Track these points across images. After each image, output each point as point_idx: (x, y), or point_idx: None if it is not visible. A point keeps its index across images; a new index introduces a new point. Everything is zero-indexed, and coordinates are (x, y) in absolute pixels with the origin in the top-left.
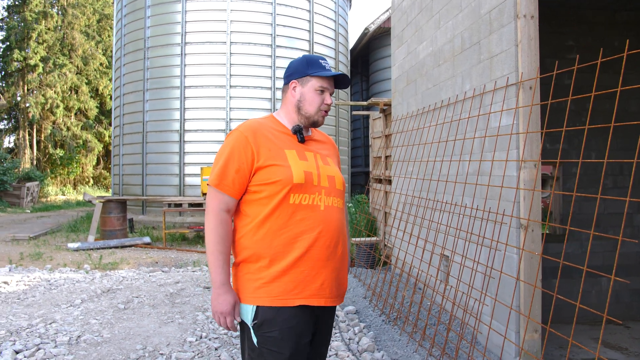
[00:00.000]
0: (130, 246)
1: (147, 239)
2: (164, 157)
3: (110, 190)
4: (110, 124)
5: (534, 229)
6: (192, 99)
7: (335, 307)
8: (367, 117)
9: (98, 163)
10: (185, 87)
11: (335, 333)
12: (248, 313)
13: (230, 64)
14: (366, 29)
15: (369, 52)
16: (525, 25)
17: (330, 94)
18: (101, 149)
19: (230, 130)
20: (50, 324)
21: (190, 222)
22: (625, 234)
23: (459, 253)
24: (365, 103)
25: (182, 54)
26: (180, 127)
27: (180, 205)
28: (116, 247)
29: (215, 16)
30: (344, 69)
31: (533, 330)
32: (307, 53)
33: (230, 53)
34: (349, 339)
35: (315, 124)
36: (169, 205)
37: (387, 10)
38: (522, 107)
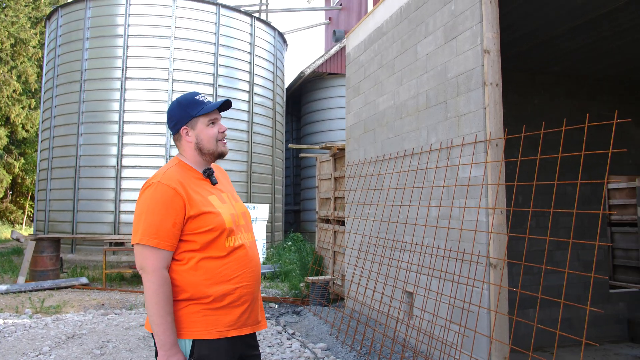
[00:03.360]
0: (66, 287)
1: (84, 280)
2: (98, 193)
3: (25, 226)
4: (21, 155)
5: (501, 267)
6: (131, 135)
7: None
8: (297, 157)
9: (5, 196)
10: (124, 122)
11: None
12: (183, 349)
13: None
14: (302, 72)
15: (302, 93)
16: (492, 92)
17: (219, 120)
18: (10, 181)
19: None
20: None
21: (126, 261)
22: (546, 269)
23: (432, 290)
24: (317, 147)
25: (122, 88)
26: (118, 163)
27: (122, 244)
28: (51, 289)
29: (158, 53)
30: (280, 109)
31: (502, 357)
32: (246, 92)
33: (172, 90)
34: None
35: (222, 155)
36: (110, 244)
37: (322, 56)
38: (492, 161)
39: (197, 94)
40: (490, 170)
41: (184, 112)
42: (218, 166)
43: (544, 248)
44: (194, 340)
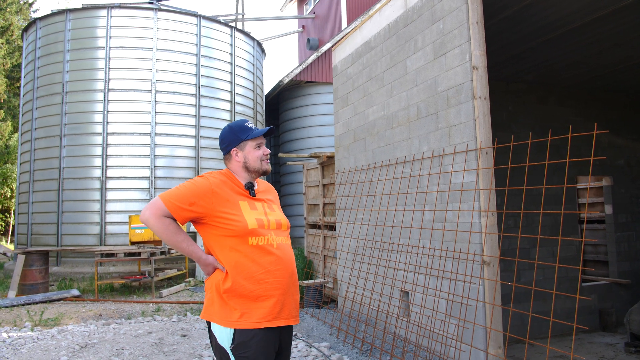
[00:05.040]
0: (58, 300)
1: (75, 292)
2: (83, 205)
3: (3, 240)
4: None
5: (494, 264)
6: (115, 146)
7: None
8: (277, 164)
9: None
10: (108, 134)
11: None
12: (227, 336)
13: (156, 112)
14: (281, 80)
15: (280, 101)
16: (481, 105)
17: (265, 144)
18: None
19: (155, 177)
20: None
21: (115, 272)
22: (524, 265)
23: (431, 287)
24: (306, 155)
25: (105, 100)
26: (102, 174)
27: (113, 255)
28: (43, 302)
29: (141, 65)
30: (260, 117)
31: (498, 346)
32: (228, 102)
33: (156, 101)
34: None
35: (265, 173)
36: (102, 255)
37: (300, 65)
38: (483, 168)
39: (246, 121)
40: (482, 177)
41: (235, 136)
42: (268, 184)
43: (520, 246)
44: (234, 329)
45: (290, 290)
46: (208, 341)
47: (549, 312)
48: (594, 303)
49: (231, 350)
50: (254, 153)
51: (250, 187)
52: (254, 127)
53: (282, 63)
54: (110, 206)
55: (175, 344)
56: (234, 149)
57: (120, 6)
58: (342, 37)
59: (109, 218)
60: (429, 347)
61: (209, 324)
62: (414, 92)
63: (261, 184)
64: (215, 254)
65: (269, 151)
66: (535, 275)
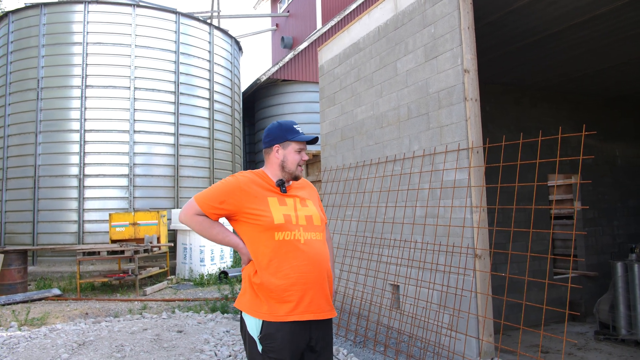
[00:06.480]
0: (39, 299)
1: (56, 291)
2: (60, 203)
3: None
4: None
5: (485, 257)
6: (93, 144)
7: (328, 319)
8: (252, 161)
9: None
10: (85, 131)
11: None
12: (256, 326)
13: (134, 109)
14: (258, 79)
15: (256, 99)
16: (472, 106)
17: (304, 150)
18: None
19: (134, 174)
20: None
21: (94, 270)
22: (500, 259)
23: (425, 280)
24: None
25: (82, 96)
26: (80, 172)
27: (95, 253)
28: (24, 302)
29: (119, 61)
30: (238, 115)
31: (489, 334)
32: (206, 100)
33: (134, 98)
34: None
35: (297, 178)
36: (84, 253)
37: (277, 63)
38: (474, 167)
39: (295, 123)
40: (473, 174)
41: (282, 134)
42: (305, 180)
43: (496, 241)
44: (262, 321)
45: (319, 285)
46: (206, 336)
47: (525, 303)
48: (565, 295)
49: (259, 339)
50: (294, 156)
51: (280, 184)
52: (301, 131)
53: (256, 60)
54: (88, 204)
55: (174, 339)
56: (277, 145)
57: (98, 1)
58: (330, 38)
59: (87, 216)
60: (424, 337)
61: (240, 312)
62: (405, 93)
63: (302, 181)
64: (247, 249)
65: (307, 158)
66: (528, 267)
